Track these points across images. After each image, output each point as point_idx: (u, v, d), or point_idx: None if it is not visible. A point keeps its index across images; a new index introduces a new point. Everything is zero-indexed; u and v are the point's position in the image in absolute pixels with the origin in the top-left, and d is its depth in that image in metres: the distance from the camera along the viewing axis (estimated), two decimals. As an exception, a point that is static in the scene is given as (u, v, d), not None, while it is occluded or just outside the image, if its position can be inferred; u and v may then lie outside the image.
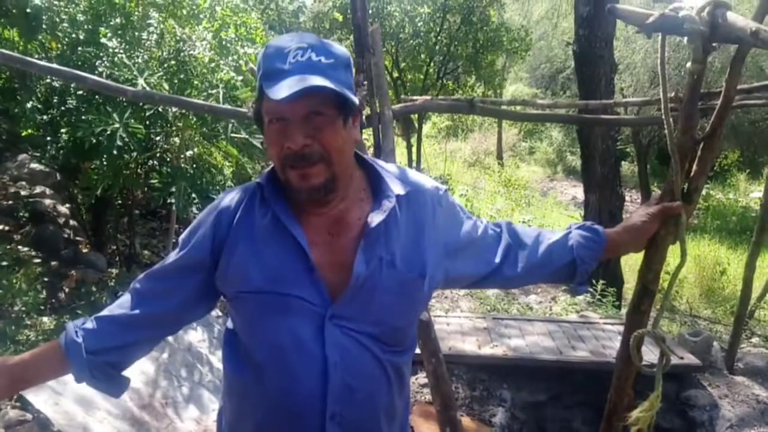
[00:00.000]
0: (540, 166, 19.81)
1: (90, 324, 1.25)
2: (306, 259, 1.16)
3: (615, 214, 7.07)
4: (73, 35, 4.44)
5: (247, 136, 4.34)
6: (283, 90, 1.05)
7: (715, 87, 2.72)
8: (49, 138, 4.60)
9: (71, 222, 5.60)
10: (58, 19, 4.39)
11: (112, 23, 4.43)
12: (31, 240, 4.99)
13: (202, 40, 4.50)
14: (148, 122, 4.34)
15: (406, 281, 1.20)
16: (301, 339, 1.16)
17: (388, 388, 1.26)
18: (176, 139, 4.57)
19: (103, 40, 4.20)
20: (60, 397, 3.00)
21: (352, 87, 1.16)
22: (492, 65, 13.64)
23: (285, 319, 1.17)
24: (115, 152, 3.93)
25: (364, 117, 1.31)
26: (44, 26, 4.16)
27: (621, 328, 1.60)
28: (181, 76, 4.32)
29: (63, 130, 4.23)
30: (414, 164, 13.11)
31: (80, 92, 4.31)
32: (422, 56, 12.50)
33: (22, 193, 5.51)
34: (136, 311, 1.25)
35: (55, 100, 4.45)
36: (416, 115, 12.64)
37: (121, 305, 1.27)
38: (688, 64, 1.32)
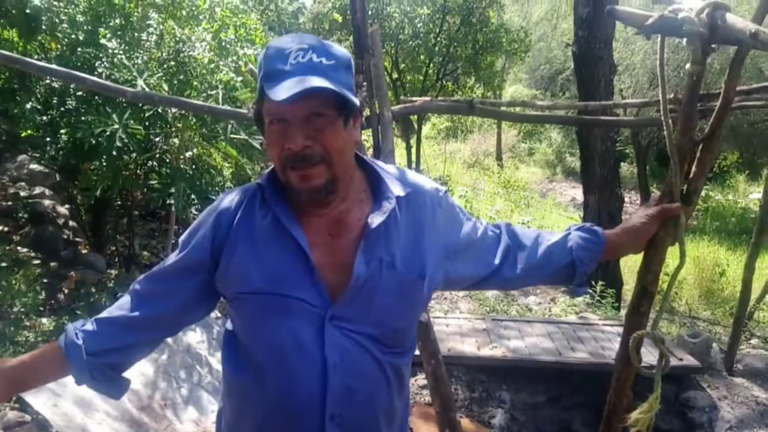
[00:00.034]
0: (539, 167, 19.83)
1: (90, 326, 1.25)
2: (306, 260, 1.16)
3: (614, 215, 7.07)
4: (73, 36, 4.44)
5: (246, 137, 4.34)
6: (283, 91, 1.05)
7: (714, 88, 2.73)
8: (48, 139, 4.60)
9: (70, 223, 5.60)
10: (57, 20, 4.39)
11: (111, 24, 4.43)
12: (31, 241, 4.99)
13: (201, 41, 4.50)
14: (147, 123, 4.34)
15: (406, 282, 1.20)
16: (301, 340, 1.16)
17: (388, 390, 1.26)
18: (176, 140, 4.57)
19: (102, 40, 4.20)
20: (59, 398, 3.00)
21: (352, 88, 1.16)
22: (491, 66, 13.65)
23: (285, 321, 1.17)
24: (114, 153, 3.93)
25: (363, 118, 1.31)
26: (44, 27, 4.16)
27: (620, 330, 1.61)
28: (181, 77, 4.32)
29: (62, 131, 4.23)
30: (413, 165, 13.11)
31: (80, 93, 4.31)
32: (422, 57, 12.50)
33: (22, 193, 5.51)
34: (136, 313, 1.25)
35: (54, 101, 4.45)
36: (416, 116, 12.64)
37: (120, 307, 1.27)
38: (687, 66, 1.32)
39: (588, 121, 4.61)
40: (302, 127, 1.11)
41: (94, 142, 3.91)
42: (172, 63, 4.40)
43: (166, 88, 4.18)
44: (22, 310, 4.06)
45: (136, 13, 4.60)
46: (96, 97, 4.23)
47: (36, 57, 4.25)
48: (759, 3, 1.31)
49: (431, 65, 12.69)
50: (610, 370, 1.55)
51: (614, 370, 1.53)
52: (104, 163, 4.24)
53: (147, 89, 3.92)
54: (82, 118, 3.98)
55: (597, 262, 1.41)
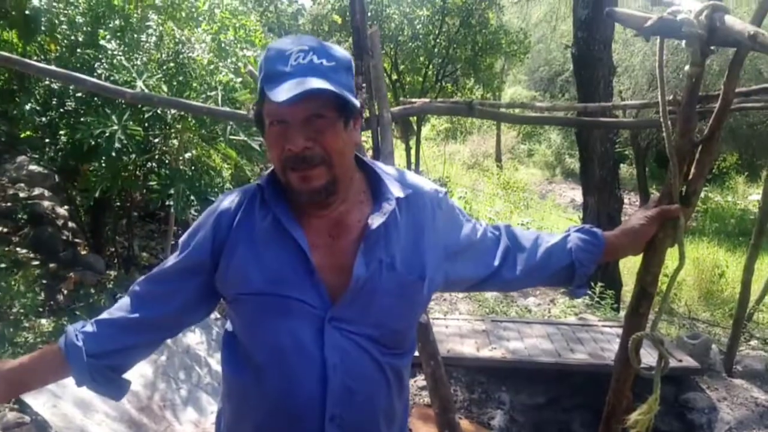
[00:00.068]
0: (539, 169, 19.83)
1: (90, 327, 1.25)
2: (306, 261, 1.16)
3: (613, 216, 7.08)
4: (72, 37, 4.44)
5: (245, 138, 4.34)
6: (283, 92, 1.06)
7: (713, 90, 2.73)
8: (47, 140, 4.60)
9: (70, 224, 5.59)
10: (57, 21, 4.39)
11: (111, 25, 4.43)
12: (30, 242, 4.98)
13: (201, 42, 4.50)
14: (146, 124, 4.34)
15: (406, 284, 1.21)
16: (301, 341, 1.16)
17: (388, 391, 1.26)
18: (175, 141, 4.57)
19: (102, 42, 4.20)
20: (58, 399, 2.99)
21: (353, 90, 1.16)
22: (491, 68, 13.66)
23: (285, 321, 1.17)
24: (113, 154, 3.92)
25: (363, 119, 1.31)
26: (43, 28, 4.16)
27: (619, 331, 1.61)
28: (180, 78, 4.32)
29: (62, 132, 4.23)
30: (413, 166, 13.11)
31: (79, 94, 4.31)
32: (421, 59, 12.51)
33: (21, 194, 5.50)
34: (136, 314, 1.25)
35: (53, 102, 4.45)
36: (415, 118, 12.65)
37: (120, 308, 1.27)
38: (687, 67, 1.32)
39: (587, 122, 4.60)
40: (302, 128, 1.11)
41: (93, 143, 3.91)
42: (172, 64, 4.40)
43: (165, 89, 4.18)
44: (21, 311, 4.06)
45: (135, 15, 4.60)
46: (95, 99, 4.23)
47: (35, 58, 4.25)
48: (758, 5, 1.31)
49: (430, 67, 12.69)
50: (610, 372, 1.55)
51: (613, 372, 1.53)
52: (103, 164, 4.23)
53: (146, 90, 3.92)
54: (82, 119, 3.98)
55: (596, 264, 1.41)
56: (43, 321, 4.15)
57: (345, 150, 1.16)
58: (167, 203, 4.18)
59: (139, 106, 4.10)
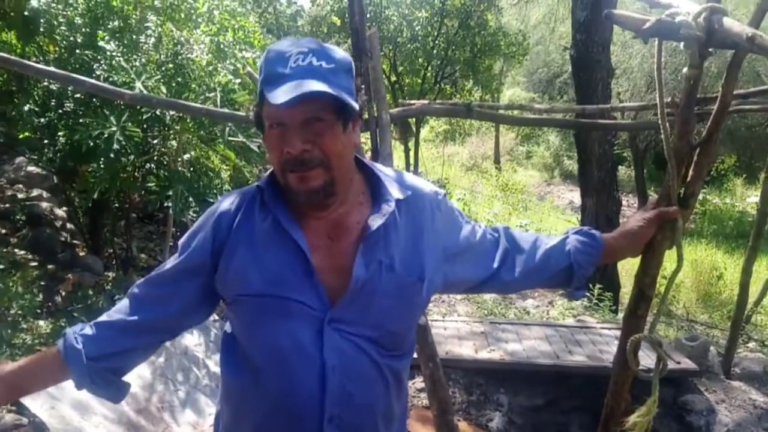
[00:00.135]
0: (537, 171, 19.84)
1: (89, 330, 1.24)
2: (306, 262, 1.16)
3: (612, 218, 7.08)
4: (71, 38, 4.43)
5: (244, 140, 4.33)
6: (281, 95, 1.06)
7: (711, 92, 2.74)
8: (46, 141, 4.59)
9: (68, 225, 5.59)
10: (55, 22, 4.39)
11: (110, 26, 4.43)
12: (28, 243, 4.97)
13: (199, 43, 4.50)
14: (145, 125, 4.33)
15: (405, 285, 1.21)
16: (300, 342, 1.16)
17: (386, 392, 1.26)
18: (173, 143, 4.57)
19: (100, 43, 4.20)
20: (56, 401, 2.99)
21: (352, 92, 1.16)
22: (489, 69, 13.67)
23: (284, 323, 1.17)
24: (112, 155, 3.92)
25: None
26: (42, 29, 4.16)
27: (618, 333, 1.61)
28: (179, 79, 4.31)
29: (60, 133, 4.22)
30: (411, 168, 13.11)
31: (78, 95, 4.31)
32: (420, 60, 12.52)
33: (19, 196, 5.49)
34: (135, 317, 1.25)
35: (52, 103, 4.44)
36: (414, 119, 12.65)
37: (120, 311, 1.27)
38: (685, 69, 1.33)
39: (586, 124, 4.61)
40: (301, 131, 1.11)
41: (91, 144, 3.91)
42: (170, 65, 4.39)
43: (164, 90, 4.17)
44: (19, 312, 4.05)
45: (134, 16, 4.59)
46: (94, 100, 4.23)
47: (34, 59, 4.24)
48: (756, 7, 1.31)
49: (429, 68, 12.70)
50: (608, 374, 1.55)
51: (612, 374, 1.53)
52: (102, 166, 4.23)
53: (145, 92, 3.91)
54: (80, 120, 3.98)
55: (595, 266, 1.42)
56: (41, 322, 4.15)
57: (344, 152, 1.16)
58: (166, 204, 4.18)
59: (138, 107, 4.09)
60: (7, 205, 5.28)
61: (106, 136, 3.86)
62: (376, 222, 1.18)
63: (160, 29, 4.50)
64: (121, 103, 3.95)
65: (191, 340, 4.12)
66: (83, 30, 4.44)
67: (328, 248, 1.20)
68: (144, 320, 1.25)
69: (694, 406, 4.25)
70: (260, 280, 1.17)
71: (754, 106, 3.24)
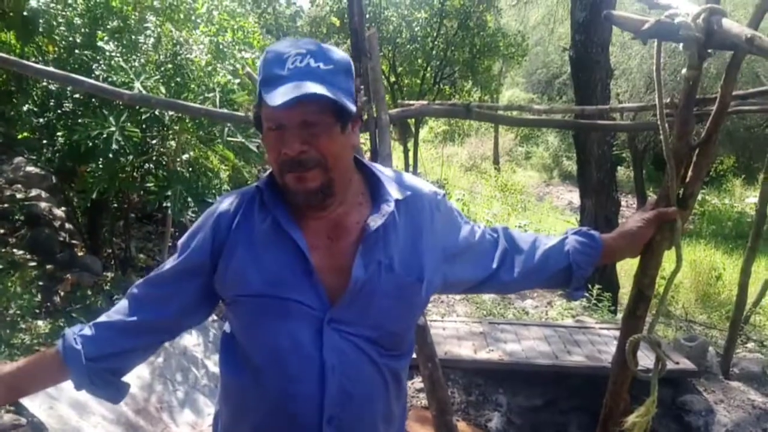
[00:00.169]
0: (536, 171, 19.86)
1: (88, 330, 1.24)
2: (306, 262, 1.16)
3: (611, 219, 7.08)
4: (70, 38, 4.43)
5: (243, 140, 4.33)
6: (279, 96, 1.06)
7: (710, 93, 2.74)
8: (45, 141, 4.59)
9: (67, 225, 5.58)
10: (54, 23, 4.38)
11: (109, 27, 4.43)
12: (27, 243, 4.97)
13: (199, 43, 4.50)
14: (144, 126, 4.33)
15: (405, 285, 1.21)
16: (300, 342, 1.16)
17: (386, 393, 1.26)
18: (172, 143, 4.57)
19: (99, 43, 4.20)
20: (55, 401, 2.98)
21: (351, 93, 1.16)
22: (488, 70, 13.68)
23: (284, 323, 1.17)
24: (111, 156, 3.92)
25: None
26: (41, 29, 4.15)
27: (617, 333, 1.61)
28: (178, 79, 4.31)
29: (59, 133, 4.22)
30: (411, 169, 13.11)
31: (76, 95, 4.30)
32: (419, 61, 12.52)
33: (18, 196, 5.49)
34: (135, 317, 1.25)
35: (51, 104, 4.44)
36: (413, 120, 12.66)
37: (119, 311, 1.27)
38: (684, 70, 1.33)
39: (585, 125, 4.62)
40: (298, 132, 1.11)
41: (90, 144, 3.90)
42: (170, 66, 4.39)
43: (163, 90, 4.17)
44: (18, 312, 4.05)
45: (133, 16, 4.59)
46: (93, 100, 4.22)
47: (33, 59, 4.24)
48: (755, 8, 1.31)
49: (428, 69, 12.71)
50: (607, 374, 1.55)
51: (611, 374, 1.53)
52: (101, 166, 4.23)
53: (144, 92, 3.91)
54: (79, 120, 3.97)
55: (594, 267, 1.42)
56: (40, 322, 4.14)
57: (342, 153, 1.16)
58: (164, 205, 4.18)
59: (137, 107, 4.09)
60: (6, 205, 5.27)
61: (105, 136, 3.85)
62: (375, 222, 1.18)
63: (159, 30, 4.50)
64: (120, 103, 3.94)
65: (190, 340, 4.12)
66: (82, 30, 4.44)
67: (327, 248, 1.20)
68: (143, 321, 1.25)
69: (693, 407, 4.25)
70: (259, 281, 1.17)
71: (753, 107, 3.25)
